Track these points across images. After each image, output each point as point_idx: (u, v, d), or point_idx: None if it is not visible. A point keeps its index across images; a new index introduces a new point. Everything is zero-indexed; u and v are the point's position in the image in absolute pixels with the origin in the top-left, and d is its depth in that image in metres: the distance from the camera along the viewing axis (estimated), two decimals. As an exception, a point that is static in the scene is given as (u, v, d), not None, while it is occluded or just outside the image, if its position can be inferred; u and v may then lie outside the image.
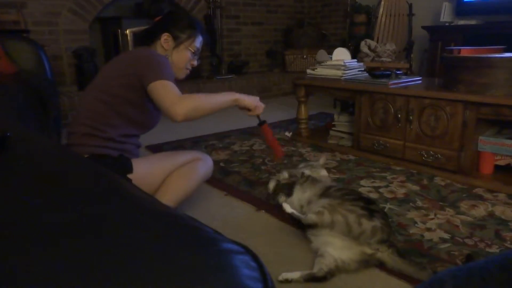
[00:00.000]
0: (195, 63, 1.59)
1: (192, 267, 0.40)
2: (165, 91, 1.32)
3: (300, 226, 1.30)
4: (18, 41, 2.50)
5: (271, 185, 1.57)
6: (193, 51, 1.55)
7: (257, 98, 1.51)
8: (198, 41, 1.56)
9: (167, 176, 1.47)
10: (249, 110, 1.50)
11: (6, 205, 0.54)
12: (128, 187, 0.64)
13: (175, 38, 1.51)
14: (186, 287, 0.38)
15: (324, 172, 1.57)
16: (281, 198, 1.49)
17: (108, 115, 1.39)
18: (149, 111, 1.48)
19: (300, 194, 1.43)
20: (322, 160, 1.63)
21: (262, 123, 1.60)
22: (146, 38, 1.54)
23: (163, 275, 0.39)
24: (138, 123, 1.47)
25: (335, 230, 1.18)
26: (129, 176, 1.38)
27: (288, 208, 1.31)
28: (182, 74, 1.57)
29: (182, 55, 1.53)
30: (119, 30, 3.58)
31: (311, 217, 1.22)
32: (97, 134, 1.38)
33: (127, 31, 3.54)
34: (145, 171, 1.43)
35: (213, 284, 0.38)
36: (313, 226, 1.22)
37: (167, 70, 1.38)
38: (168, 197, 1.42)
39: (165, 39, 1.50)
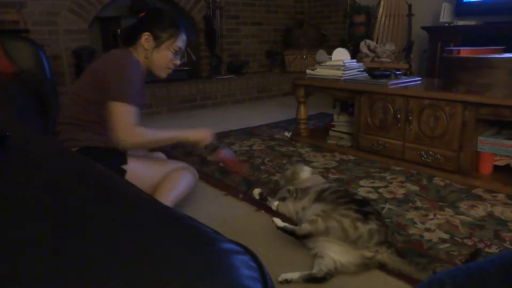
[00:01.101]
0: (178, 62, 1.57)
1: (192, 267, 0.40)
2: (121, 116, 1.36)
3: (296, 238, 1.23)
4: (17, 41, 2.50)
5: (256, 192, 1.58)
6: (174, 51, 1.52)
7: (206, 131, 1.59)
8: (181, 41, 1.54)
9: (156, 182, 1.49)
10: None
11: (5, 205, 0.54)
12: (128, 187, 0.64)
13: (156, 37, 1.49)
14: (186, 287, 0.38)
15: (306, 173, 1.55)
16: (274, 203, 1.49)
17: (90, 117, 1.43)
18: None
19: (294, 205, 1.44)
20: (305, 174, 1.57)
21: (214, 149, 1.69)
22: (128, 38, 1.53)
23: (163, 275, 0.39)
24: None
25: (331, 236, 1.17)
26: (124, 167, 1.40)
27: (279, 222, 1.24)
28: (163, 73, 1.56)
29: (163, 55, 1.51)
30: (118, 30, 3.58)
31: (305, 227, 1.19)
32: (85, 129, 1.42)
33: (127, 31, 3.54)
34: (139, 170, 1.47)
35: (213, 284, 0.38)
36: (308, 236, 1.19)
37: (133, 89, 1.40)
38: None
39: (146, 38, 1.48)
